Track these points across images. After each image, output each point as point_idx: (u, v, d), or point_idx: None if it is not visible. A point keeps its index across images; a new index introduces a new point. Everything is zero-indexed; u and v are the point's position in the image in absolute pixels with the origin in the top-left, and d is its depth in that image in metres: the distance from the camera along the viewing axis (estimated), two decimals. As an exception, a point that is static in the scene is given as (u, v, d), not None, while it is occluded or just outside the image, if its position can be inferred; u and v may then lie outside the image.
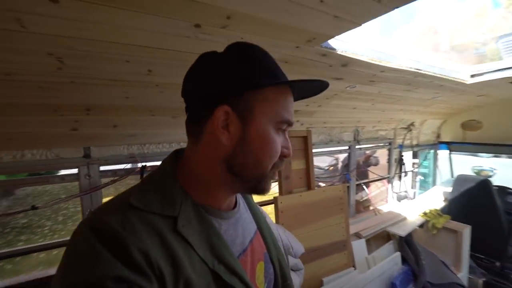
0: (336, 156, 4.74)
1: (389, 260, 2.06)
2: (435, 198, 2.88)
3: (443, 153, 3.33)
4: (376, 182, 3.01)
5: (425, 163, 3.30)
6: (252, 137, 0.44)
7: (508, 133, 2.58)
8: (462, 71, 1.67)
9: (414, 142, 2.96)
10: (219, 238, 0.45)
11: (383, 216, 2.49)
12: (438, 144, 3.27)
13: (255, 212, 0.61)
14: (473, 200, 2.56)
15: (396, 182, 2.86)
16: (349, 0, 0.66)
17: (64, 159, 1.23)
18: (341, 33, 0.80)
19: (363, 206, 2.93)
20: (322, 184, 2.85)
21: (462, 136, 2.98)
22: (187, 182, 0.46)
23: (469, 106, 2.71)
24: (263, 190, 0.49)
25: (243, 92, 0.43)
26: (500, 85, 1.82)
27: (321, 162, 6.17)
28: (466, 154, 3.28)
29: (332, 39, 0.94)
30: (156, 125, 1.39)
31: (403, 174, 2.84)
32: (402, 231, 2.28)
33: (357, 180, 2.44)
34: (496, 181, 2.71)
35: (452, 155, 3.29)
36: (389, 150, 2.79)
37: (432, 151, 3.30)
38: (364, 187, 2.45)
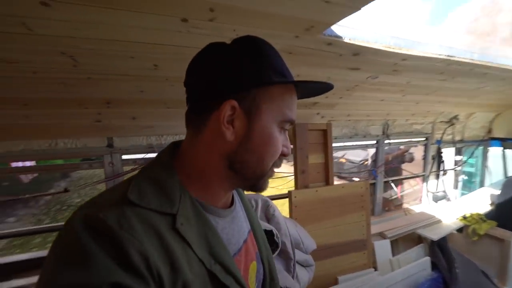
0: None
1: (417, 265, 1.91)
2: (480, 201, 2.56)
3: (495, 151, 2.93)
4: (410, 180, 2.77)
5: (471, 161, 2.94)
6: (256, 135, 0.44)
7: None
8: (513, 56, 1.43)
9: (458, 138, 2.65)
10: (217, 237, 0.44)
11: (414, 217, 2.30)
12: (489, 140, 2.87)
13: (248, 210, 0.61)
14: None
15: (432, 181, 2.61)
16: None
17: (90, 148, 1.36)
18: (341, 19, 0.74)
19: (393, 204, 2.73)
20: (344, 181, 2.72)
21: (520, 131, 2.58)
22: (185, 177, 0.45)
23: (530, 97, 2.32)
24: (261, 188, 0.49)
25: (251, 88, 0.43)
26: None
27: (355, 156, 5.87)
28: (524, 152, 2.84)
29: (340, 27, 0.87)
30: (172, 117, 1.45)
31: (441, 173, 2.57)
32: (434, 235, 2.08)
33: (385, 177, 2.28)
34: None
35: (508, 153, 2.87)
36: (426, 146, 2.53)
37: (481, 147, 2.92)
38: (393, 185, 2.28)
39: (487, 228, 2.14)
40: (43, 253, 1.70)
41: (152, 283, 0.34)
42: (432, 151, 2.55)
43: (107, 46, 0.82)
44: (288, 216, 1.62)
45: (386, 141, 2.27)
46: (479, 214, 2.26)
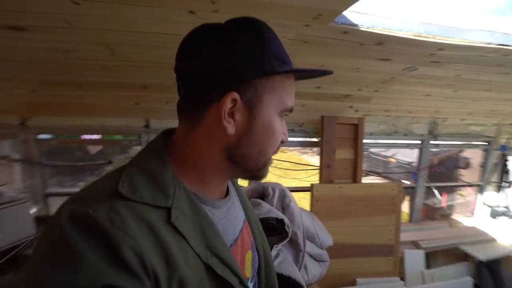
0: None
1: (454, 283, 1.72)
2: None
3: None
4: (462, 189, 2.43)
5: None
6: (258, 127, 0.42)
7: None
8: None
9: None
10: (213, 229, 0.42)
11: (460, 231, 2.03)
12: None
13: (243, 199, 0.59)
14: None
15: (491, 193, 2.24)
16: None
17: (131, 127, 1.55)
18: (348, 6, 0.69)
19: (438, 214, 2.44)
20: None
21: None
22: (179, 168, 0.42)
23: None
24: (262, 177, 0.47)
25: (254, 78, 0.40)
26: None
27: (406, 156, 5.33)
28: None
29: (357, 14, 0.83)
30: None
31: (504, 184, 2.18)
32: (483, 254, 1.82)
33: (427, 182, 2.05)
34: None
35: None
36: (486, 152, 2.18)
37: None
38: (436, 192, 2.03)
39: (557, 256, 1.78)
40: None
41: (147, 282, 0.32)
42: (495, 158, 2.18)
43: (135, 37, 0.92)
44: (308, 209, 1.61)
45: (433, 142, 2.02)
46: (549, 238, 1.88)
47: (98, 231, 0.31)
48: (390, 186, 1.67)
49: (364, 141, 1.94)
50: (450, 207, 2.44)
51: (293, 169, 1.95)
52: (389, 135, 1.94)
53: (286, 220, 1.24)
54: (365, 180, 1.81)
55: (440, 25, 0.89)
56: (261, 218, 1.23)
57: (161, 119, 1.58)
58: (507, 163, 2.17)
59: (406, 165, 4.93)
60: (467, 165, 2.58)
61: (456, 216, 2.33)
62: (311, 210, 1.60)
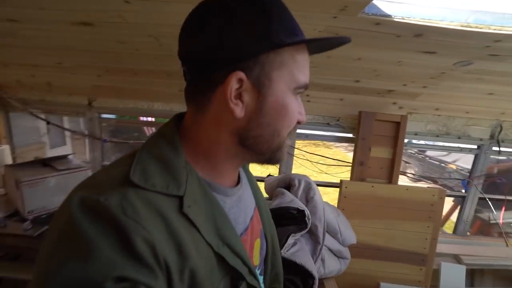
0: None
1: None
2: None
3: None
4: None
5: None
6: (269, 107, 0.39)
7: None
8: None
9: None
10: (224, 218, 0.41)
11: (518, 252, 1.76)
12: None
13: (253, 184, 0.58)
14: None
15: None
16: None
17: (174, 112, 1.71)
18: (375, -5, 0.66)
19: (495, 231, 2.13)
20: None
21: None
22: (191, 155, 0.41)
23: None
24: (278, 161, 0.45)
25: (259, 54, 0.37)
26: None
27: (467, 163, 4.67)
28: None
29: (392, 4, 0.79)
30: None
31: None
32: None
33: (481, 192, 1.80)
34: None
35: None
36: None
37: None
38: (491, 204, 1.77)
39: None
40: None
41: (159, 274, 0.31)
42: None
43: (172, 29, 1.03)
44: (336, 205, 1.58)
45: (496, 148, 1.76)
46: None
47: (110, 220, 0.30)
48: (430, 192, 1.54)
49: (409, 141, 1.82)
50: (510, 225, 2.11)
51: (323, 163, 1.91)
52: (438, 136, 1.75)
53: (307, 212, 1.26)
54: (416, 184, 1.70)
55: (494, 13, 0.78)
56: (282, 207, 1.28)
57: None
58: None
59: (467, 173, 4.35)
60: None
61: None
62: (338, 207, 1.57)
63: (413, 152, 6.83)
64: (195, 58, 0.39)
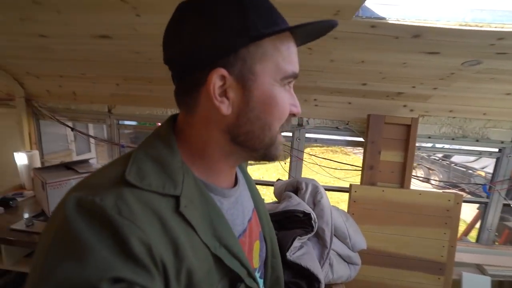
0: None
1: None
2: None
3: None
4: None
5: None
6: (256, 101, 0.38)
7: None
8: None
9: None
10: (221, 219, 0.41)
11: (551, 264, 1.62)
12: None
13: (252, 187, 0.58)
14: None
15: None
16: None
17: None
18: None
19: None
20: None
21: None
22: (187, 155, 0.41)
23: None
24: (273, 157, 0.44)
25: (238, 48, 0.36)
26: None
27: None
28: None
29: (386, 6, 0.80)
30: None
31: None
32: None
33: (505, 198, 1.69)
34: None
35: None
36: None
37: None
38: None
39: None
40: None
41: (156, 274, 0.31)
42: None
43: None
44: (346, 210, 1.56)
45: (519, 152, 1.66)
46: None
47: (105, 221, 0.30)
48: (446, 196, 1.47)
49: (423, 145, 1.76)
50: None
51: (335, 168, 1.89)
52: (454, 139, 1.68)
53: (313, 215, 1.26)
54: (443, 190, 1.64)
55: (493, 10, 0.76)
56: (288, 210, 1.29)
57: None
58: None
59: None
60: None
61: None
62: (348, 211, 1.55)
63: (437, 158, 6.52)
64: (178, 60, 0.39)
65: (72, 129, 1.97)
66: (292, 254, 1.15)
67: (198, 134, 0.41)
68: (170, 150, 0.39)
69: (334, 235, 1.35)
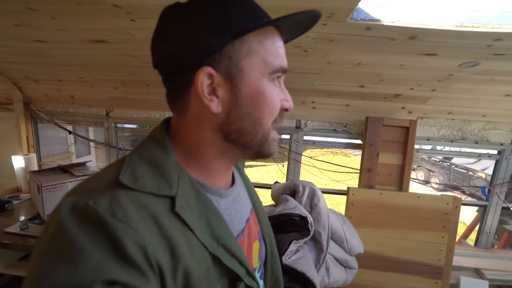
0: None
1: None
2: None
3: None
4: None
5: None
6: (245, 97, 0.39)
7: None
8: None
9: None
10: (219, 219, 0.41)
11: (552, 268, 1.60)
12: None
13: (249, 188, 0.58)
14: None
15: None
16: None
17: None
18: (358, 1, 0.68)
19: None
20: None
21: None
22: (182, 156, 0.41)
23: None
24: (268, 154, 0.44)
25: (223, 46, 0.36)
26: None
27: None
28: None
29: (381, 8, 0.80)
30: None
31: None
32: None
33: (504, 202, 1.67)
34: None
35: None
36: None
37: None
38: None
39: None
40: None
41: (151, 276, 0.31)
42: None
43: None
44: (343, 213, 1.55)
45: (519, 154, 1.65)
46: None
47: (99, 224, 0.30)
48: (445, 200, 1.46)
49: (422, 147, 1.75)
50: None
51: (334, 170, 1.88)
52: (453, 141, 1.67)
53: (310, 219, 1.25)
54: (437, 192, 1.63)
55: (490, 11, 0.76)
56: (285, 213, 1.28)
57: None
58: None
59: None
60: None
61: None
62: (346, 215, 1.54)
63: (437, 159, 6.49)
64: (165, 63, 0.40)
65: (70, 132, 1.97)
66: (288, 258, 1.14)
67: (191, 135, 0.42)
68: (164, 151, 0.39)
69: (331, 239, 1.33)
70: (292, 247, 1.18)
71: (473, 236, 2.50)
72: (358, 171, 1.68)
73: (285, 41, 0.43)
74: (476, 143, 1.66)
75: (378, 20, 0.79)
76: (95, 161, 5.13)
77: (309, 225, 1.23)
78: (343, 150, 9.61)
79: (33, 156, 1.75)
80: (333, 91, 1.54)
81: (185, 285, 0.34)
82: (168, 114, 1.82)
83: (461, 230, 2.03)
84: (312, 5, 0.74)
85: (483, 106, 1.52)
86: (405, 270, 1.48)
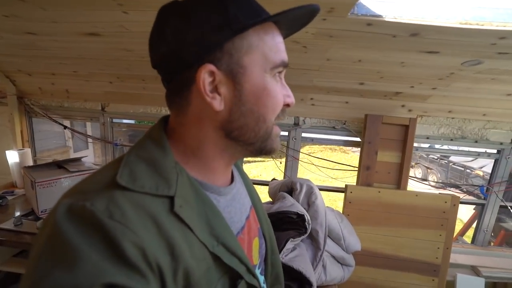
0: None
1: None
2: None
3: None
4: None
5: None
6: (248, 94, 0.38)
7: None
8: None
9: None
10: (219, 217, 0.41)
11: (547, 266, 1.61)
12: None
13: (248, 184, 0.57)
14: None
15: None
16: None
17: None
18: (359, -4, 0.65)
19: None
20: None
21: None
22: (180, 155, 0.41)
23: None
24: (271, 150, 0.43)
25: (223, 42, 0.36)
26: None
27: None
28: None
29: (384, 3, 0.77)
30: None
31: None
32: None
33: (502, 200, 1.67)
34: None
35: None
36: None
37: None
38: (514, 213, 1.64)
39: None
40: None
41: (151, 278, 0.30)
42: None
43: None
44: (341, 211, 1.54)
45: (518, 153, 1.64)
46: None
47: (96, 226, 0.29)
48: (443, 198, 1.45)
49: (421, 145, 1.74)
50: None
51: (332, 168, 1.87)
52: (452, 140, 1.66)
53: (307, 217, 1.24)
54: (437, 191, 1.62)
55: (495, 8, 0.73)
56: (282, 211, 1.27)
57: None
58: None
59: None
60: None
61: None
62: (343, 212, 1.53)
63: (435, 157, 6.51)
64: (165, 62, 0.39)
65: (65, 127, 1.94)
66: (285, 256, 1.14)
67: (191, 133, 0.41)
68: (162, 150, 0.39)
69: (328, 236, 1.33)
70: (289, 245, 1.17)
71: (470, 233, 2.51)
72: (356, 169, 1.67)
73: (284, 37, 0.42)
74: (476, 142, 1.64)
75: (380, 16, 0.77)
76: (93, 156, 5.09)
77: (306, 223, 1.22)
78: (341, 147, 9.62)
79: (28, 151, 1.73)
80: (333, 88, 1.51)
81: (185, 285, 0.34)
82: (165, 109, 1.79)
83: (458, 227, 2.03)
84: (312, -1, 0.71)
85: (483, 105, 1.50)
86: (402, 268, 1.48)
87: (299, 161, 1.79)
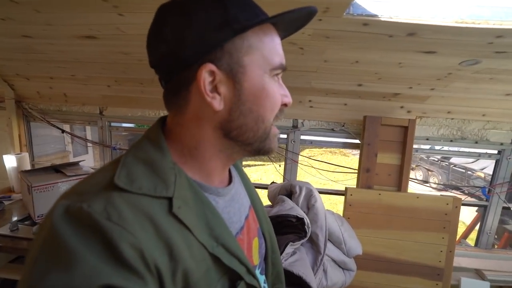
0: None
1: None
2: None
3: None
4: None
5: None
6: (247, 93, 0.38)
7: None
8: None
9: None
10: (217, 218, 0.41)
11: (552, 269, 1.58)
12: None
13: (247, 184, 0.57)
14: None
15: None
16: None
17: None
18: (354, -5, 0.65)
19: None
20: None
21: None
22: (178, 156, 0.41)
23: None
24: (269, 150, 0.43)
25: (224, 42, 0.36)
26: None
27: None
28: None
29: (379, 3, 0.77)
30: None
31: None
32: None
33: (504, 201, 1.65)
34: None
35: None
36: None
37: None
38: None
39: None
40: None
41: (149, 279, 0.30)
42: None
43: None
44: (341, 214, 1.52)
45: (519, 154, 1.62)
46: None
47: (94, 227, 0.29)
48: (444, 200, 1.43)
49: (421, 147, 1.72)
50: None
51: (332, 171, 1.85)
52: (452, 141, 1.65)
53: (307, 220, 1.22)
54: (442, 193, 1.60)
55: (492, 7, 0.73)
56: (281, 215, 1.25)
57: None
58: None
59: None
60: None
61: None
62: (344, 215, 1.51)
63: (436, 159, 6.48)
64: (164, 62, 0.39)
65: (63, 131, 1.93)
66: (284, 261, 1.12)
67: (190, 133, 0.41)
68: (160, 151, 0.38)
69: (329, 240, 1.31)
70: (289, 249, 1.15)
71: (473, 235, 2.48)
72: (356, 172, 1.66)
73: (281, 38, 0.43)
74: (476, 142, 1.63)
75: (375, 16, 0.76)
76: (92, 160, 5.08)
77: (306, 226, 1.20)
78: (341, 149, 9.61)
79: (26, 155, 1.72)
80: (331, 90, 1.51)
81: (185, 286, 0.34)
82: (163, 113, 1.79)
83: (460, 229, 2.01)
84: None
85: (483, 106, 1.49)
86: (404, 272, 1.45)
87: (299, 164, 1.78)
